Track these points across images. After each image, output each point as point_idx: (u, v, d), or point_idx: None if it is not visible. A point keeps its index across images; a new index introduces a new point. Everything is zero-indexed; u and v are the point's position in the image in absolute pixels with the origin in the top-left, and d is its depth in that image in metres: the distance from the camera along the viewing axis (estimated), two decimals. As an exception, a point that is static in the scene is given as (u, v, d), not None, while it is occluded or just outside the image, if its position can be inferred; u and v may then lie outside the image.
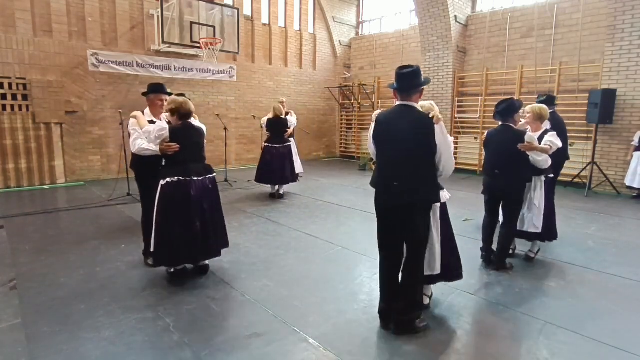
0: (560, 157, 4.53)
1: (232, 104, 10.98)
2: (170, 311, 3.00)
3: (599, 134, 8.02)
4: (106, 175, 8.76)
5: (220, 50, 9.29)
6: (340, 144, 14.14)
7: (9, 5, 7.35)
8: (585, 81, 8.38)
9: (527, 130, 3.94)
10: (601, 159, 8.01)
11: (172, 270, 3.57)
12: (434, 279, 2.96)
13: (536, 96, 5.83)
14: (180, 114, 3.45)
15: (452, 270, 3.03)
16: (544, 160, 3.80)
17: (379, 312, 2.84)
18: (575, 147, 8.08)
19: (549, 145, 3.83)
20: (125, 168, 6.52)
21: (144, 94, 3.95)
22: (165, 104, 3.67)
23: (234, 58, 10.66)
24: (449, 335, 2.76)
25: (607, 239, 4.92)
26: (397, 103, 2.74)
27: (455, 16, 9.91)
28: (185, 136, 3.46)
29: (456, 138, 10.39)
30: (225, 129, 8.58)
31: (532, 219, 3.98)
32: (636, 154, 7.28)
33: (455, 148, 10.26)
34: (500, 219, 4.04)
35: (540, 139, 3.92)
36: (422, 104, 2.82)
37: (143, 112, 3.82)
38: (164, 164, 3.54)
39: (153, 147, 3.46)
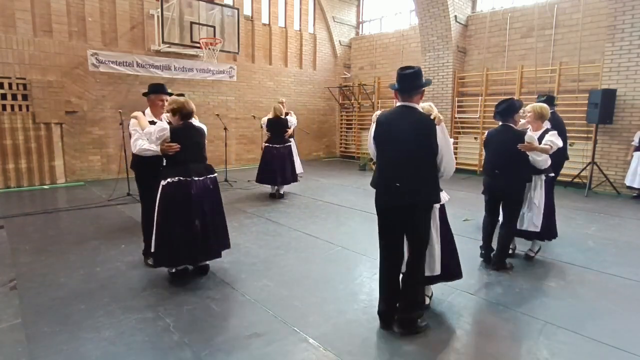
0: (559, 156, 4.55)
1: (232, 104, 10.98)
2: (170, 311, 3.00)
3: (599, 134, 8.03)
4: (106, 175, 8.76)
5: (220, 50, 9.29)
6: (340, 144, 14.14)
7: (9, 5, 7.35)
8: (585, 81, 8.38)
9: (528, 130, 3.95)
10: (601, 159, 8.02)
11: (174, 270, 3.58)
12: (433, 280, 2.97)
13: (536, 96, 5.85)
14: (182, 114, 3.46)
15: (451, 271, 3.04)
16: (543, 160, 3.81)
17: (379, 312, 2.84)
18: (575, 147, 8.09)
19: (549, 144, 3.83)
20: (125, 168, 6.52)
21: (144, 94, 3.95)
22: (166, 104, 3.67)
23: (234, 58, 10.67)
24: (449, 335, 2.76)
25: (607, 239, 4.92)
26: (398, 104, 2.74)
27: (455, 16, 9.91)
28: (186, 136, 3.46)
29: (456, 138, 10.38)
30: (225, 129, 8.58)
31: (531, 218, 3.99)
32: (636, 154, 7.28)
33: (455, 148, 10.25)
34: (500, 218, 4.04)
35: (540, 138, 3.93)
36: (421, 105, 2.82)
37: (144, 113, 3.81)
38: (165, 164, 3.54)
39: (154, 148, 3.46)
